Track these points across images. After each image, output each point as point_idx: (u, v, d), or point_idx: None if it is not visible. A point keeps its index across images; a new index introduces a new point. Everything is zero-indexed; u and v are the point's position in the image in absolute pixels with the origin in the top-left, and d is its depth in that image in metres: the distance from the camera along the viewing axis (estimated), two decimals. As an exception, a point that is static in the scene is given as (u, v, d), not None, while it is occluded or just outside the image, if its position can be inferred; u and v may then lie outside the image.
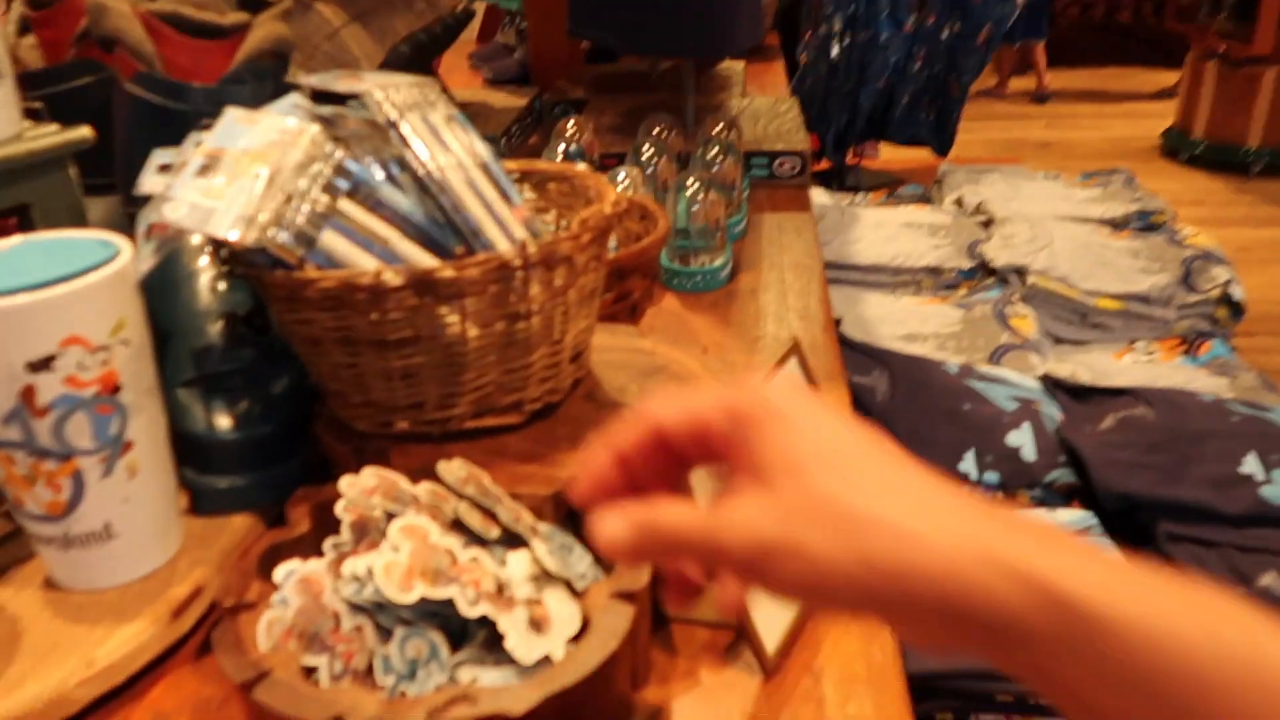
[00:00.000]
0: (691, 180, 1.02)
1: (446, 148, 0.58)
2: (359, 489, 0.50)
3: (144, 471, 0.53)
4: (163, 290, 0.65)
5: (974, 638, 0.26)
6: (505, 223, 0.59)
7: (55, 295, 0.46)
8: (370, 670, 0.45)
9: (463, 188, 0.57)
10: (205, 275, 0.65)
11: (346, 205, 0.54)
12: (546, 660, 0.44)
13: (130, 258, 0.51)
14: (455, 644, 0.48)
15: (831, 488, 0.28)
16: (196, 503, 0.61)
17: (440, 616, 0.47)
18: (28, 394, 0.47)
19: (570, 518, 0.53)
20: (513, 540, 0.49)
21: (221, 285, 0.66)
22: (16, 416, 0.48)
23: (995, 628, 0.25)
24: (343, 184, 0.55)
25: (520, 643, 0.43)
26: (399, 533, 0.45)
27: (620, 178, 1.06)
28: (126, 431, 0.51)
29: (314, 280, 0.51)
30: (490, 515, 0.49)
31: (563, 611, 0.46)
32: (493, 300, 0.53)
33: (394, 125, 0.56)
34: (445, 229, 0.57)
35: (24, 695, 0.47)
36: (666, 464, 0.34)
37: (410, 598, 0.43)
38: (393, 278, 0.50)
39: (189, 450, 0.61)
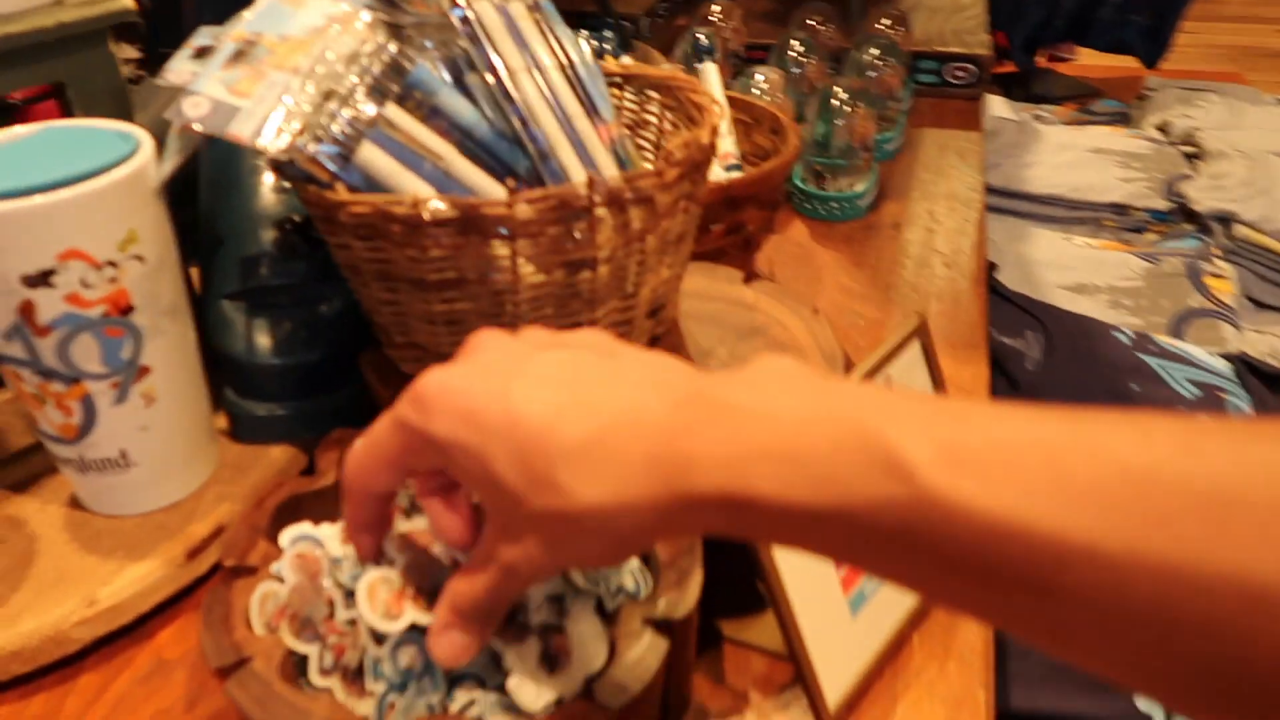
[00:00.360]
0: (841, 89, 0.89)
1: (524, 45, 0.49)
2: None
3: (164, 399, 0.48)
4: (221, 189, 0.59)
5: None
6: (585, 144, 0.49)
7: (49, 203, 0.40)
8: (362, 670, 0.40)
9: (536, 96, 0.48)
10: (266, 175, 0.59)
11: (395, 113, 0.46)
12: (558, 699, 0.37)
13: (145, 160, 0.44)
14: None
15: (545, 501, 0.27)
16: (234, 428, 0.56)
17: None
18: (26, 310, 0.42)
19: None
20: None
21: (286, 186, 0.59)
22: (18, 333, 0.43)
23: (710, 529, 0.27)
24: (394, 86, 0.46)
25: (525, 685, 0.36)
26: (394, 544, 0.38)
27: (757, 79, 0.93)
28: (141, 356, 0.46)
29: (345, 204, 0.43)
30: None
31: (586, 642, 0.39)
32: (551, 244, 0.44)
33: (461, 14, 0.46)
34: (515, 147, 0.48)
35: (20, 630, 0.44)
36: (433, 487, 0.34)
37: (396, 626, 0.36)
38: (431, 209, 0.42)
39: (229, 370, 0.56)
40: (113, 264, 0.43)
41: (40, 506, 0.51)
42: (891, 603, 0.45)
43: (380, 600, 0.36)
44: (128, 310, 0.45)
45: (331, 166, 0.44)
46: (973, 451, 0.22)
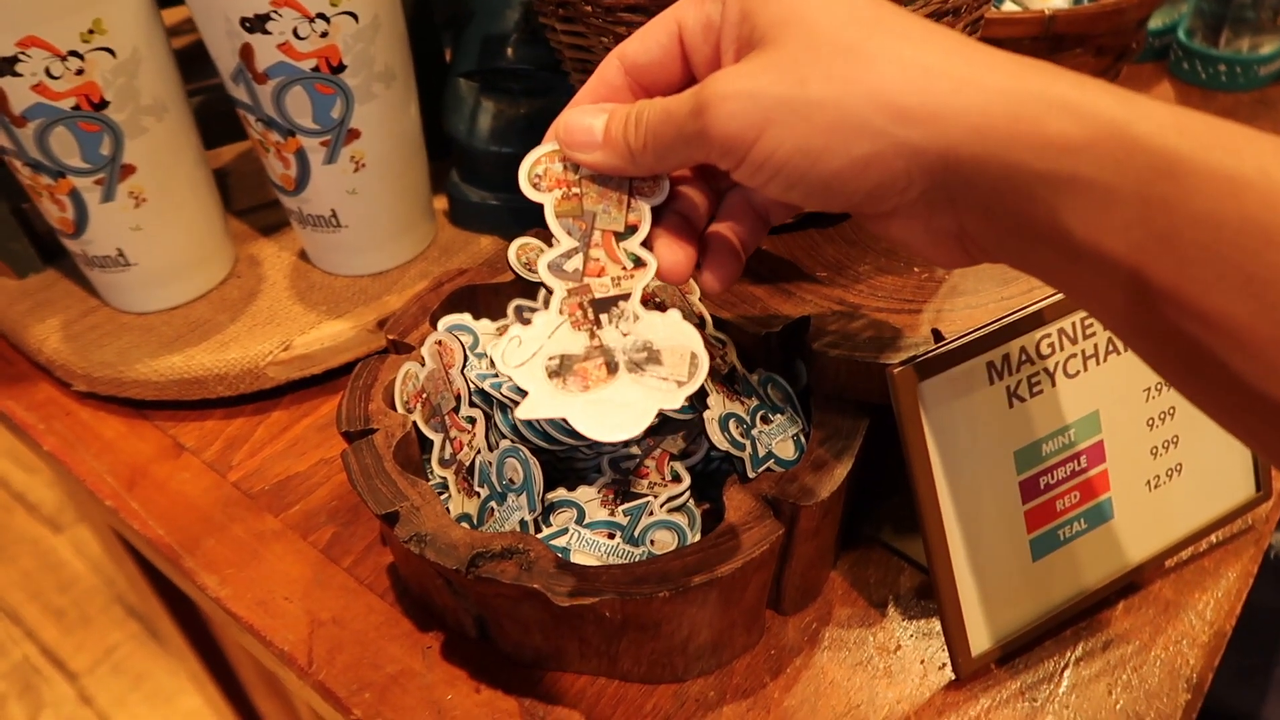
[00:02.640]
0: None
1: None
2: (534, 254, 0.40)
3: (372, 166, 0.48)
4: (482, -40, 0.56)
5: (1010, 198, 0.22)
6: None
7: (260, -55, 0.40)
8: (474, 470, 0.39)
9: None
10: (528, -51, 0.55)
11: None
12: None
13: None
14: (573, 480, 0.39)
15: (845, 33, 0.23)
16: (451, 211, 0.56)
17: (560, 447, 0.38)
18: (246, 54, 0.43)
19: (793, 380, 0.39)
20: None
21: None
22: (241, 77, 0.44)
23: (1041, 176, 0.22)
24: None
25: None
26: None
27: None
28: (350, 118, 0.46)
29: (543, -25, 0.39)
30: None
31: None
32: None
33: None
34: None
35: (226, 357, 0.48)
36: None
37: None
38: (625, -10, 0.36)
39: (454, 151, 0.55)
40: (324, 17, 0.42)
41: (276, 252, 0.55)
42: (1095, 556, 0.36)
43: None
44: (338, 69, 0.44)
45: (538, -71, 0.39)
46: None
